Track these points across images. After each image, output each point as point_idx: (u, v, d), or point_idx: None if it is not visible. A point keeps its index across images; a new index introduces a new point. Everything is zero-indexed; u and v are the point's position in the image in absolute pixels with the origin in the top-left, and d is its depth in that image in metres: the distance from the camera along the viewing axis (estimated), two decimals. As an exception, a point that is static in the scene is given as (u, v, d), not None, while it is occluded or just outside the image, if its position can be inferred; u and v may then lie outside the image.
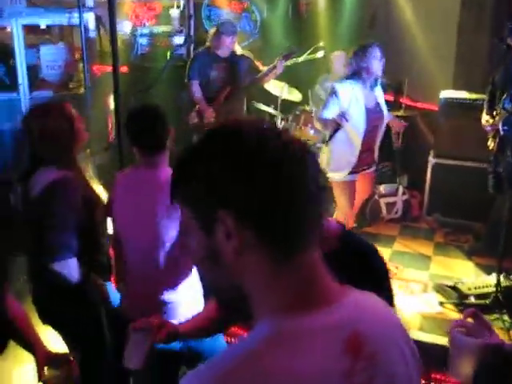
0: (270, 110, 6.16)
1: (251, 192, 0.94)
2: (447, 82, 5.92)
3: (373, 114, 4.39)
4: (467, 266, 4.87)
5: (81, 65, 6.20)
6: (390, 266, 4.29)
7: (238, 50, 5.43)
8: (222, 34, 5.22)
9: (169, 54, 6.20)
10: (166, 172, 2.43)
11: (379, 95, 4.52)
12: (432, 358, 2.67)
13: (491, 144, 4.90)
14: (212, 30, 5.37)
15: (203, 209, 0.98)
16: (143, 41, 6.21)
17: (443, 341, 3.26)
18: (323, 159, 4.52)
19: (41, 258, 2.45)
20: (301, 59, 5.82)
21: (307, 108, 5.97)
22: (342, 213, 4.57)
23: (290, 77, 5.96)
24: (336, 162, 4.45)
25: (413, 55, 6.16)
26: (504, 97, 4.38)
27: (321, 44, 5.77)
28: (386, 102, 4.70)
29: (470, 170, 5.28)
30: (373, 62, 4.24)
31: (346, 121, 4.20)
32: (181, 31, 6.37)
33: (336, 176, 4.42)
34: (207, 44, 5.40)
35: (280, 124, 5.98)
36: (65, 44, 6.62)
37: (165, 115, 2.56)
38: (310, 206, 0.99)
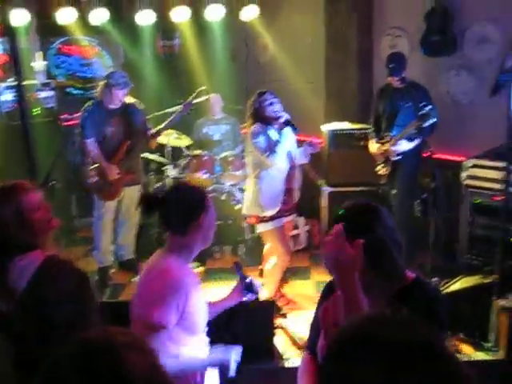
0: (157, 158, 6.00)
1: None
2: (320, 114, 6.28)
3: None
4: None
5: None
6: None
7: (128, 99, 5.15)
8: (113, 87, 4.91)
9: (38, 109, 5.68)
10: None
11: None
12: None
13: (382, 170, 5.33)
14: (101, 83, 5.02)
15: None
16: (7, 97, 5.58)
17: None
18: (249, 199, 4.54)
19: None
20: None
21: (197, 152, 5.91)
22: (281, 260, 4.59)
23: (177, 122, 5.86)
24: (265, 199, 4.46)
25: (286, 90, 6.43)
26: (409, 128, 4.83)
27: (203, 88, 5.73)
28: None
29: (361, 193, 5.69)
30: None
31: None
32: (47, 84, 5.85)
33: (265, 226, 4.50)
34: (97, 97, 5.05)
35: (172, 171, 5.83)
36: None
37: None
38: None
